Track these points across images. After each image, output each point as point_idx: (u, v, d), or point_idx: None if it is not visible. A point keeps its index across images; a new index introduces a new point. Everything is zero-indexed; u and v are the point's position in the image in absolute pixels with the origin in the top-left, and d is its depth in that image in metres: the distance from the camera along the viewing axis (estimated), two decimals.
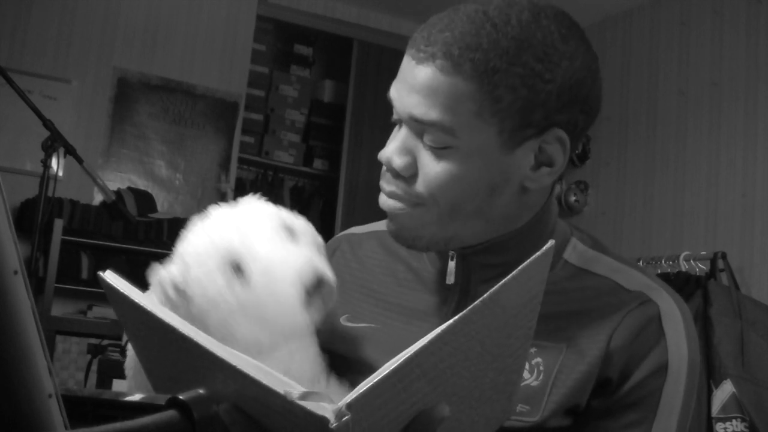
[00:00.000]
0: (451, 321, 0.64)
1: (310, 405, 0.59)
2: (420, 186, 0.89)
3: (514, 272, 0.69)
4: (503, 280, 0.68)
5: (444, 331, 0.64)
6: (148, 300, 0.71)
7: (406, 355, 0.62)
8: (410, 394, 0.64)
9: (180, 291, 0.87)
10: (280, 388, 0.60)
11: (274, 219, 0.91)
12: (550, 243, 0.73)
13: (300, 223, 0.95)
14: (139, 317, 0.71)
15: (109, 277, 0.73)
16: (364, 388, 0.61)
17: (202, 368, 0.67)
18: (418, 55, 0.87)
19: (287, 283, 0.85)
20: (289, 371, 0.87)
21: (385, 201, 0.94)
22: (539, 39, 0.85)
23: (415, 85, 0.87)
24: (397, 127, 0.93)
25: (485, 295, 0.66)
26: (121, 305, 0.74)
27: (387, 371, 0.62)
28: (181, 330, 0.65)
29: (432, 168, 0.88)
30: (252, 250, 0.86)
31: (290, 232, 0.91)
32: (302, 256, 0.88)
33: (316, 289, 0.86)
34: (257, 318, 0.86)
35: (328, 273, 0.88)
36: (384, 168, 0.93)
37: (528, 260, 0.70)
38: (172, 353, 0.71)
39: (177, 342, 0.67)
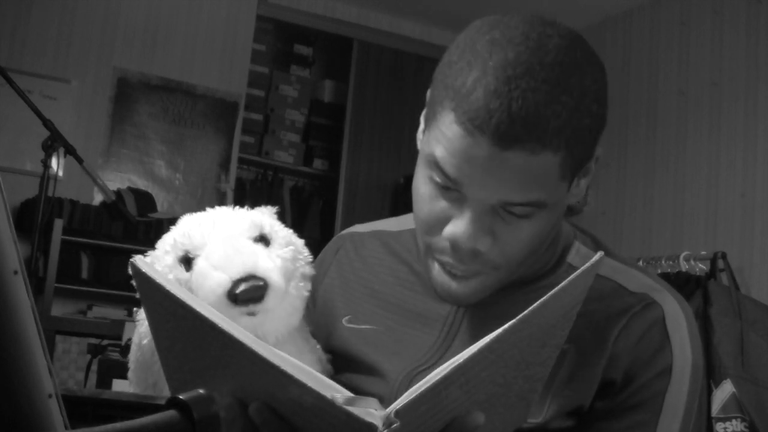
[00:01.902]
0: (500, 330, 0.64)
1: (357, 411, 0.59)
2: (497, 255, 0.87)
3: (563, 283, 0.68)
4: (553, 291, 0.67)
5: (493, 340, 0.64)
6: (184, 292, 0.69)
7: (456, 363, 0.62)
8: (450, 401, 0.64)
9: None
10: (325, 392, 0.59)
11: (246, 222, 0.94)
12: (599, 255, 0.73)
13: (278, 228, 0.97)
14: (169, 307, 0.70)
15: (142, 264, 0.72)
16: (414, 395, 0.61)
17: (234, 365, 0.66)
18: (501, 142, 0.80)
19: (213, 282, 0.87)
20: None
21: (448, 282, 0.89)
22: (592, 78, 0.84)
23: (502, 173, 0.81)
24: (438, 191, 0.87)
25: (535, 305, 0.66)
26: (150, 293, 0.73)
27: (436, 379, 0.61)
28: (220, 325, 0.64)
29: (513, 236, 0.86)
30: (204, 246, 0.91)
31: (262, 236, 0.94)
32: (247, 254, 0.88)
33: (243, 283, 0.85)
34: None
35: (271, 275, 0.87)
36: (441, 244, 0.88)
37: (577, 271, 0.70)
38: (201, 347, 0.70)
39: (211, 336, 0.66)
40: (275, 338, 0.91)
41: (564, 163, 0.83)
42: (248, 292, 0.85)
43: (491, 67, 0.81)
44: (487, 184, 0.82)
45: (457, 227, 0.85)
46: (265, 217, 0.97)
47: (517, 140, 0.79)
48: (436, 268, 0.91)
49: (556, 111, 0.80)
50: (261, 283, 0.86)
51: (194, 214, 0.97)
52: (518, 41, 0.82)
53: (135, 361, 0.97)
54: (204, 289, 0.87)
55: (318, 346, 1.02)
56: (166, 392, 0.90)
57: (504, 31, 0.84)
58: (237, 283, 0.85)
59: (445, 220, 0.87)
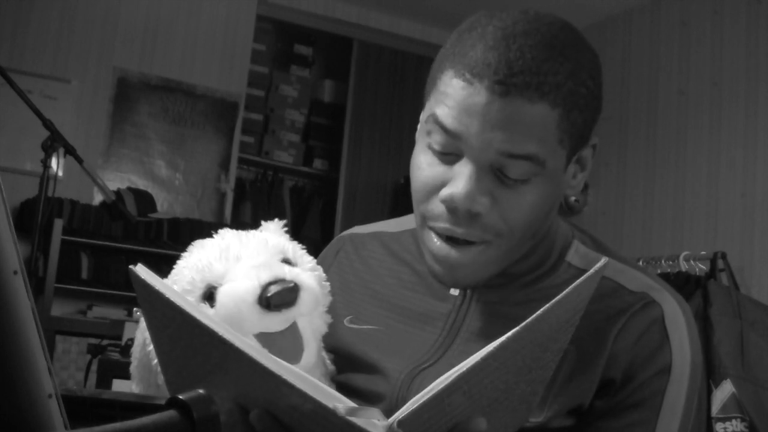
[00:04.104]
0: (503, 338, 0.64)
1: (360, 421, 0.59)
2: (496, 220, 0.85)
3: (567, 290, 0.68)
4: (556, 298, 0.67)
5: (496, 348, 0.64)
6: (184, 300, 0.69)
7: (458, 372, 0.62)
8: (452, 408, 0.65)
9: None
10: (328, 402, 0.59)
11: (270, 248, 0.91)
12: (603, 261, 0.73)
13: (300, 254, 0.95)
14: (169, 314, 0.70)
15: (141, 271, 0.71)
16: (417, 404, 0.61)
17: (234, 372, 0.66)
18: (499, 88, 0.81)
19: (242, 290, 0.83)
20: None
21: (446, 250, 0.87)
22: (587, 57, 0.87)
23: (501, 120, 0.82)
24: (436, 157, 0.87)
25: (538, 313, 0.66)
26: (150, 300, 0.73)
27: (439, 388, 0.61)
28: (221, 333, 0.64)
29: (512, 201, 0.85)
30: (226, 273, 0.87)
31: (285, 260, 0.91)
32: (275, 265, 0.86)
33: (273, 286, 0.81)
34: None
35: (301, 277, 0.84)
36: (437, 209, 0.87)
37: (581, 278, 0.70)
38: (201, 354, 0.70)
39: (210, 344, 0.65)
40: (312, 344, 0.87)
41: (561, 123, 0.84)
42: (281, 295, 0.81)
43: (490, 31, 0.84)
44: (485, 133, 0.82)
45: (454, 187, 0.84)
46: (284, 241, 0.94)
47: (515, 87, 0.81)
48: (432, 238, 0.88)
49: (553, 68, 0.82)
50: (291, 284, 0.82)
51: (205, 242, 0.92)
52: (517, 17, 0.86)
53: (138, 359, 0.97)
54: (234, 299, 0.82)
55: (321, 345, 1.02)
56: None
57: (501, 13, 0.88)
58: (267, 286, 0.82)
59: (441, 186, 0.86)
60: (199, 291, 0.87)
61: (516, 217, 0.85)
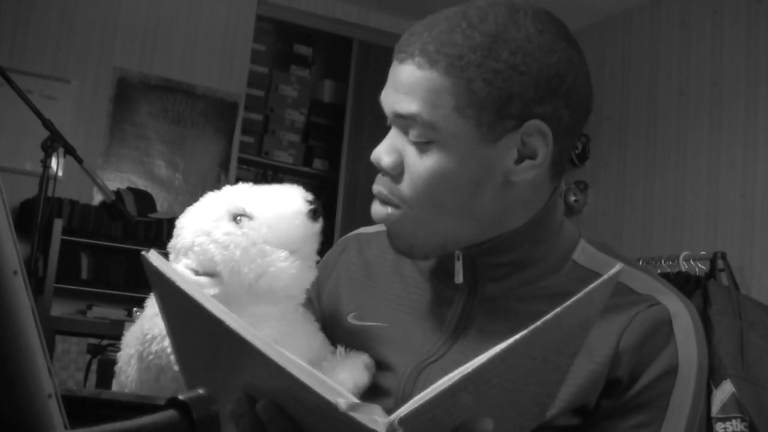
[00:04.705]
0: (511, 340, 0.64)
1: (361, 417, 0.59)
2: (405, 184, 0.91)
3: (579, 294, 0.68)
4: (568, 302, 0.66)
5: (504, 350, 0.63)
6: (194, 288, 0.69)
7: (463, 372, 0.62)
8: (457, 408, 0.64)
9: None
10: (330, 396, 0.59)
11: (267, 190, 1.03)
12: (618, 267, 0.72)
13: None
14: (180, 302, 0.70)
15: (154, 258, 0.72)
16: (419, 403, 0.61)
17: (241, 362, 0.67)
18: (399, 56, 0.91)
19: (288, 203, 0.99)
20: (286, 345, 0.86)
21: (375, 209, 0.95)
22: (513, 33, 0.87)
23: (396, 84, 0.90)
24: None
25: (548, 316, 0.65)
26: (162, 287, 0.73)
27: (443, 387, 0.61)
28: (228, 323, 0.64)
29: (417, 164, 0.90)
30: (252, 199, 0.99)
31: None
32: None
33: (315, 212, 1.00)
34: (260, 252, 0.96)
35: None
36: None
37: (594, 283, 0.69)
38: (212, 343, 0.70)
39: (221, 334, 0.66)
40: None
41: (458, 93, 0.86)
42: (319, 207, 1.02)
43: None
44: (387, 96, 0.92)
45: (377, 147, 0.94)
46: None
47: (407, 55, 0.89)
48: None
49: (455, 40, 0.87)
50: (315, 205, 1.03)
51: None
52: (468, 4, 0.92)
53: (138, 379, 0.96)
54: (285, 216, 0.99)
55: (317, 325, 1.03)
56: None
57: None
58: (309, 203, 1.03)
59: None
60: (229, 212, 0.98)
61: (420, 182, 0.89)
